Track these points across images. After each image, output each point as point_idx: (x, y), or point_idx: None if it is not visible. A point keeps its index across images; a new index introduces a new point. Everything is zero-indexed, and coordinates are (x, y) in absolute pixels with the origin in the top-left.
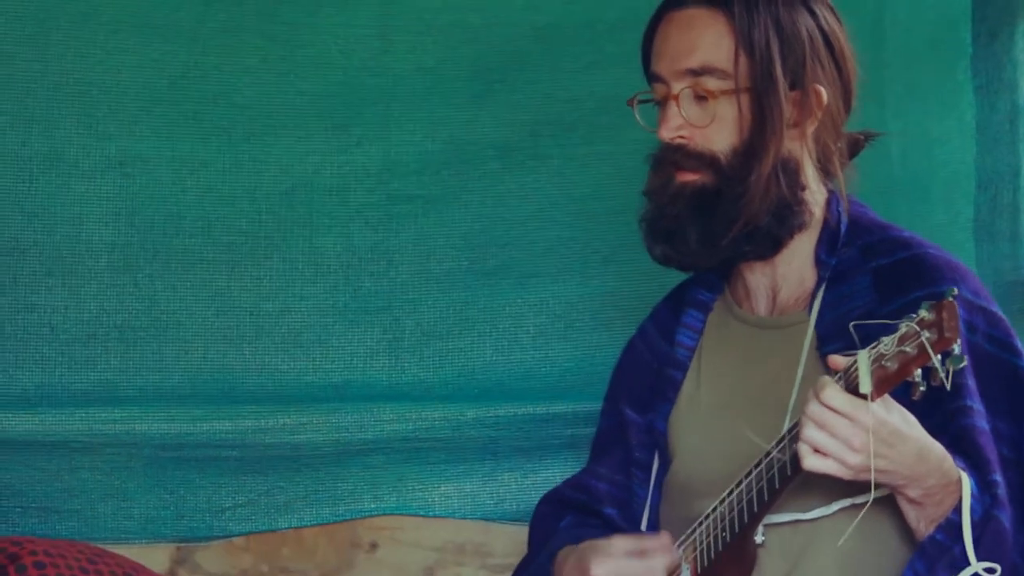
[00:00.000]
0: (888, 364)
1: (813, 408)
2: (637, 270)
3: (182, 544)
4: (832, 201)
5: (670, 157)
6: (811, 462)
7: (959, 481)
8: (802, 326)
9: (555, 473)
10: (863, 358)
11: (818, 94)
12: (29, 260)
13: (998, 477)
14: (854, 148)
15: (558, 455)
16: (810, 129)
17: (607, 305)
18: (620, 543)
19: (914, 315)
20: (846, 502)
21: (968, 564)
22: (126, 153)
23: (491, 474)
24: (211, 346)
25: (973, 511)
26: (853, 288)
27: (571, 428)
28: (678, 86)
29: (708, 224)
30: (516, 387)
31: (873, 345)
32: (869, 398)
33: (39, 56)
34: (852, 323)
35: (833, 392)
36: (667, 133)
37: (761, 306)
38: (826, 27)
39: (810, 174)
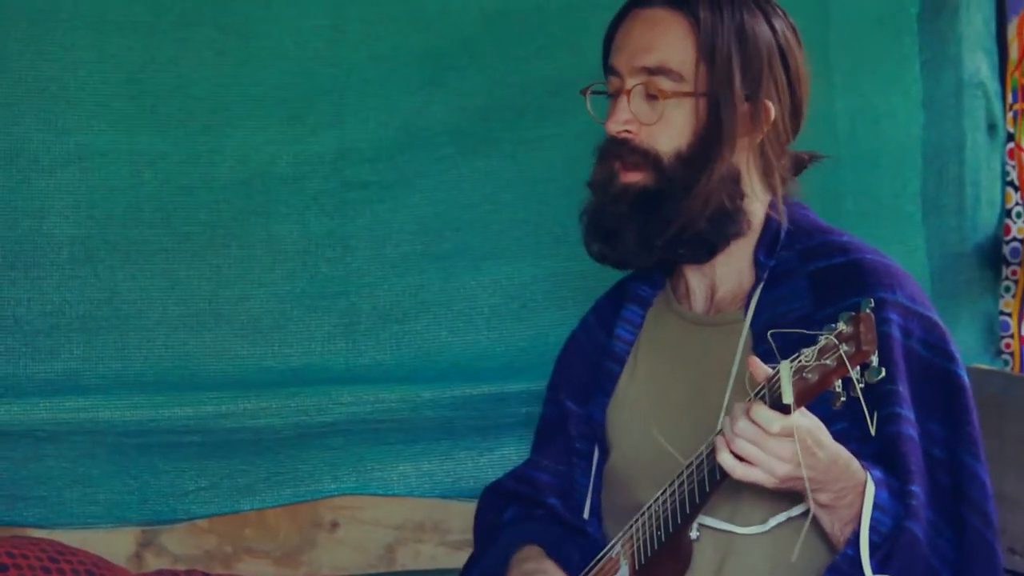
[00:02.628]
0: (809, 376)
1: (742, 425)
2: None
3: (147, 527)
4: (774, 206)
5: (614, 150)
6: (741, 472)
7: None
8: (738, 325)
9: (511, 451)
10: (785, 369)
11: (767, 109)
12: None
13: (915, 487)
14: (799, 166)
15: (513, 433)
16: (755, 141)
17: (560, 285)
18: None
19: (833, 326)
20: (782, 517)
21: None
22: (85, 147)
23: (448, 453)
24: (172, 334)
25: (881, 523)
26: (790, 290)
27: (526, 407)
28: (632, 82)
29: (645, 225)
30: (471, 367)
31: (794, 356)
32: (792, 409)
33: None
34: (770, 331)
35: (760, 409)
36: (614, 126)
37: (699, 303)
38: (784, 45)
39: (753, 181)
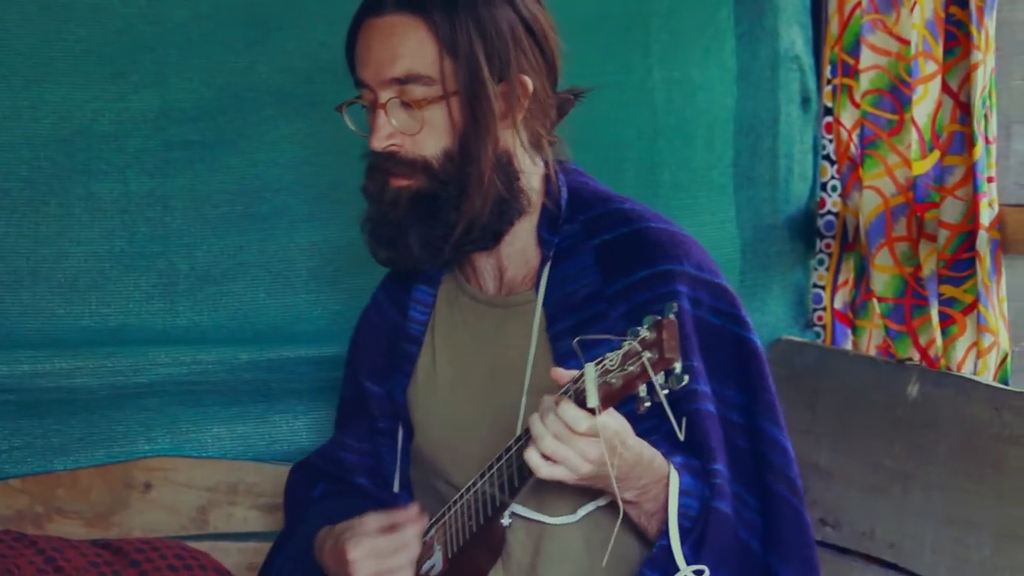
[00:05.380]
0: (613, 381)
1: (550, 422)
2: None
3: None
4: (551, 178)
5: (383, 164)
6: (546, 471)
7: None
8: (530, 305)
9: (326, 415)
10: (590, 373)
11: (524, 84)
12: None
13: (718, 466)
14: (564, 108)
15: (330, 397)
16: (519, 117)
17: None
18: (372, 521)
19: (638, 330)
20: (591, 506)
21: (678, 569)
22: None
23: (264, 416)
24: None
25: (690, 507)
26: (577, 266)
27: (341, 370)
28: (385, 95)
29: (429, 228)
30: (288, 330)
31: (599, 360)
32: (596, 411)
33: None
34: (576, 339)
35: (568, 407)
36: (378, 143)
37: (489, 284)
38: (526, 14)
39: (525, 157)
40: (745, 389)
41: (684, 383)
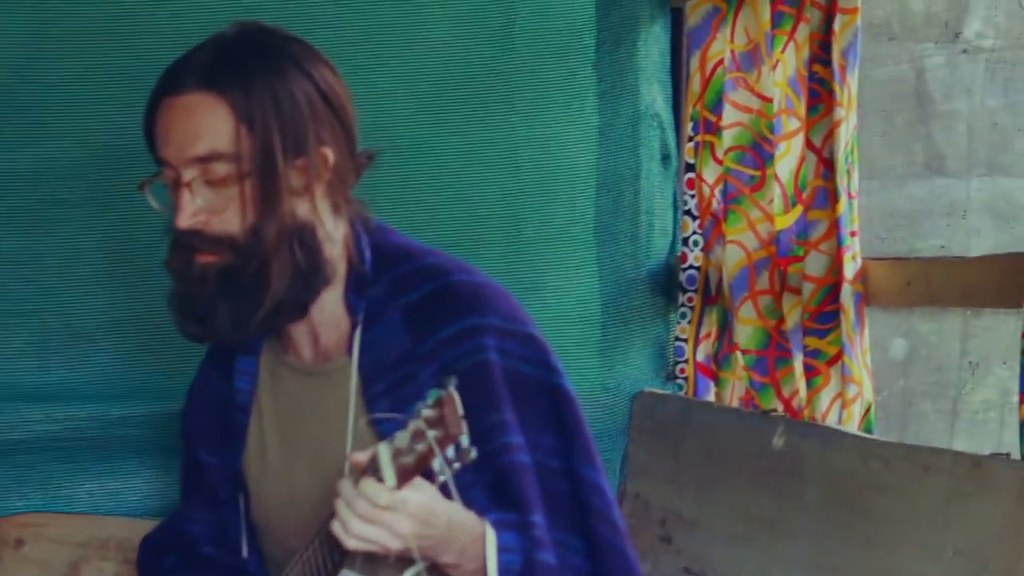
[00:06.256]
0: (406, 460)
1: (351, 499)
2: None
3: None
4: (353, 241)
5: (188, 241)
6: (352, 544)
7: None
8: (346, 371)
9: None
10: (383, 454)
11: (324, 156)
12: None
13: (535, 517)
14: (359, 171)
15: None
16: (320, 189)
17: None
18: None
19: (420, 408)
20: (418, 567)
21: None
22: None
23: (135, 471)
24: None
25: (512, 562)
26: (386, 328)
27: None
28: (188, 173)
29: (237, 303)
30: (160, 386)
31: (391, 438)
32: (396, 489)
33: None
34: (371, 417)
35: (368, 483)
36: (184, 221)
37: (306, 352)
38: (324, 86)
39: (328, 226)
40: (560, 434)
41: (473, 457)
